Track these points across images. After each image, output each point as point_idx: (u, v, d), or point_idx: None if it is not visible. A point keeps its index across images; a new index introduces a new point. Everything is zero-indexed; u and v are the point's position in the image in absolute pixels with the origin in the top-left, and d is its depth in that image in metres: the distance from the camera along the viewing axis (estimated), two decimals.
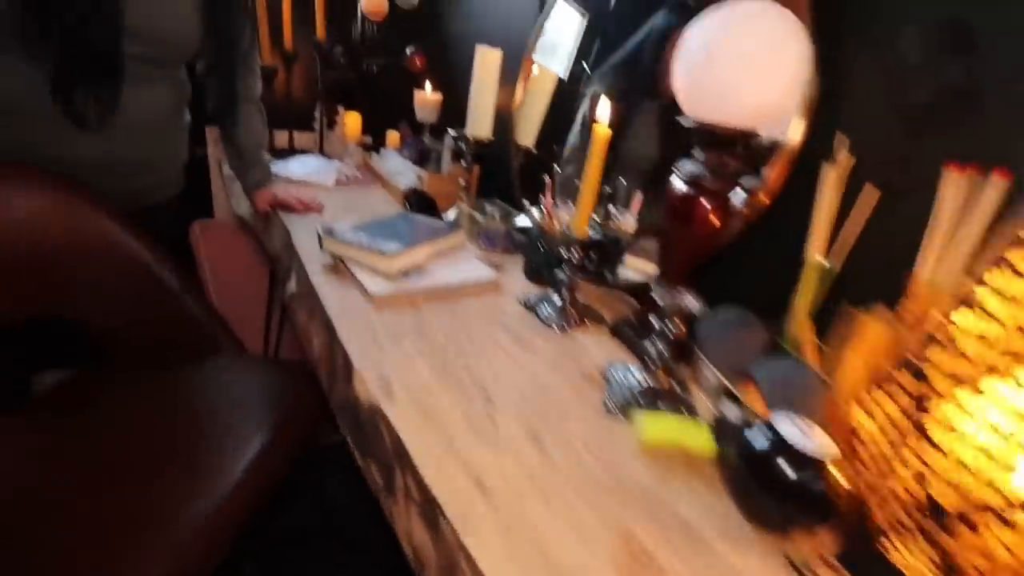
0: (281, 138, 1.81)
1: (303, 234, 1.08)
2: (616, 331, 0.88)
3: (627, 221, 1.03)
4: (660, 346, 0.68)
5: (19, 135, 0.89)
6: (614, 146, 1.26)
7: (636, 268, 1.07)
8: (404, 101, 1.74)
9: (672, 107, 1.08)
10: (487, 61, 1.20)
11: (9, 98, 0.86)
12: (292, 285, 0.95)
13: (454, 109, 1.66)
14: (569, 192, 1.36)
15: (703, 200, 0.72)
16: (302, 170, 1.45)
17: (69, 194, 0.94)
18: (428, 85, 1.61)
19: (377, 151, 1.75)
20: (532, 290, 1.00)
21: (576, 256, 0.86)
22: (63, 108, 0.87)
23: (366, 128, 1.84)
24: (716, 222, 0.72)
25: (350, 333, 0.74)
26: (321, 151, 1.74)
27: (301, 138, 1.84)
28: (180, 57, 1.03)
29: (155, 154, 1.07)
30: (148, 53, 0.94)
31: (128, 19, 0.87)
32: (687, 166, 0.76)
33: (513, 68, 1.24)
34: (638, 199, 1.07)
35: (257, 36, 1.15)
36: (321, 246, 0.95)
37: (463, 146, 1.27)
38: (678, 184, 0.76)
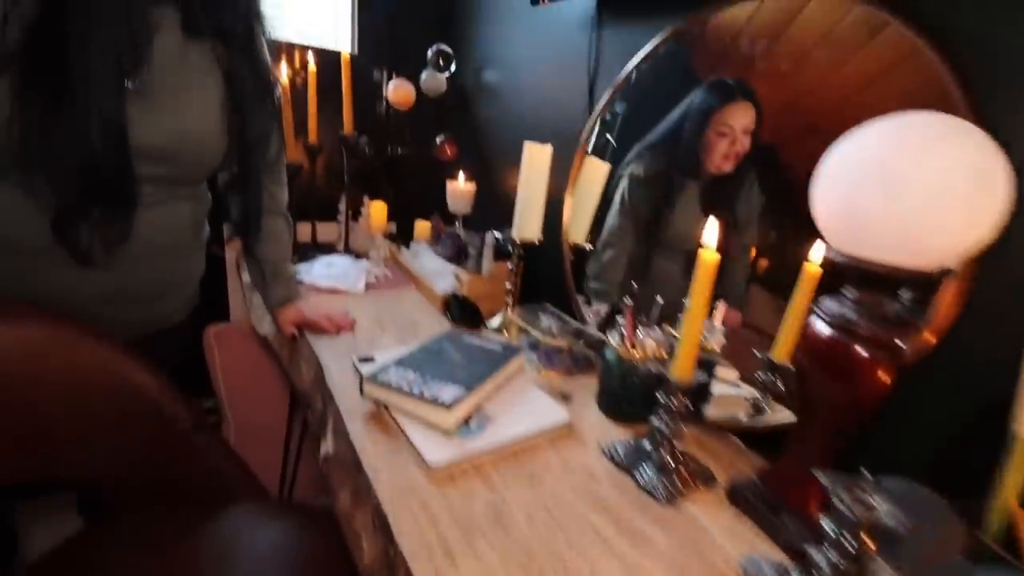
0: (304, 231, 1.71)
1: (336, 365, 0.93)
2: (736, 497, 0.70)
3: (715, 337, 0.87)
4: (834, 558, 0.50)
5: (8, 269, 0.76)
6: (652, 229, 1.16)
7: (726, 381, 0.91)
8: (432, 191, 1.65)
9: (713, 186, 0.96)
10: (536, 158, 1.08)
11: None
12: (328, 445, 0.79)
13: (489, 199, 1.56)
14: (613, 275, 1.22)
15: (860, 349, 0.57)
16: (328, 275, 1.32)
17: (64, 328, 0.81)
18: (461, 175, 1.51)
19: (406, 244, 1.64)
20: (611, 430, 0.84)
21: (677, 404, 0.70)
22: (65, 247, 0.74)
23: (392, 217, 1.74)
24: (886, 379, 0.56)
25: (411, 539, 0.57)
26: (346, 246, 1.63)
27: (324, 229, 1.74)
28: (201, 175, 0.92)
29: (167, 279, 0.93)
30: (165, 174, 0.83)
31: (141, 136, 0.74)
32: (831, 305, 0.60)
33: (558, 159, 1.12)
34: (723, 309, 0.92)
35: (284, 140, 1.04)
36: (362, 391, 0.80)
37: (508, 247, 1.15)
38: (821, 327, 0.60)
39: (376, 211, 1.70)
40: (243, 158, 0.94)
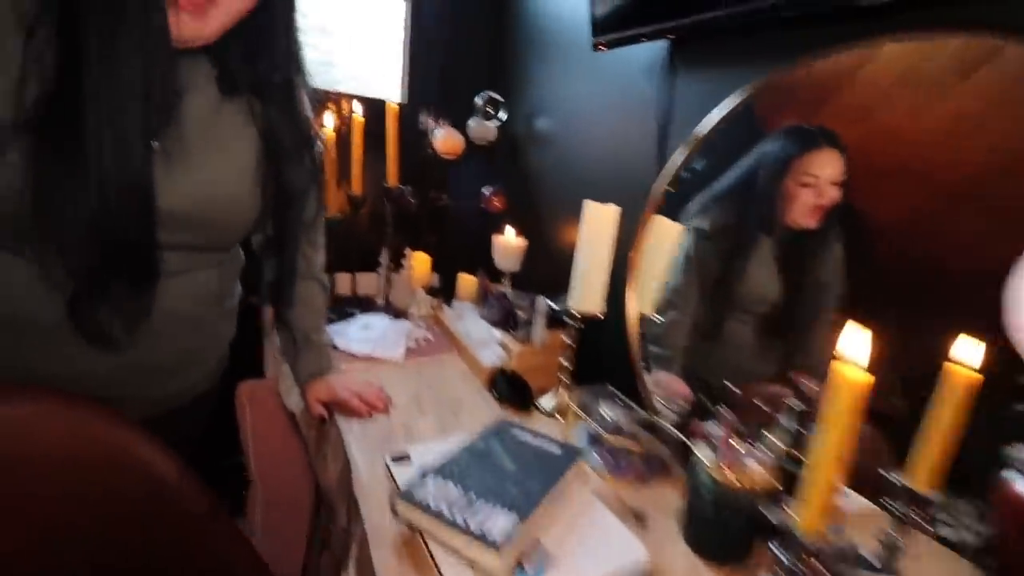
0: (343, 282, 1.63)
1: (365, 461, 0.79)
2: None
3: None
4: None
5: (18, 348, 0.68)
6: (721, 289, 1.01)
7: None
8: (479, 244, 1.54)
9: (792, 243, 0.81)
10: (599, 220, 0.95)
11: (4, 305, 0.65)
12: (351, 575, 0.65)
13: (540, 256, 1.43)
14: (676, 339, 1.06)
15: None
16: (365, 339, 1.21)
17: (72, 407, 0.71)
18: (510, 230, 1.39)
19: (448, 299, 1.52)
20: (702, 572, 0.66)
21: (805, 570, 0.52)
22: (82, 330, 0.65)
23: (435, 269, 1.64)
24: None
25: None
26: (386, 301, 1.53)
27: (365, 280, 1.65)
28: (231, 241, 0.83)
29: (192, 350, 0.83)
30: (191, 241, 0.74)
31: (167, 202, 0.65)
32: None
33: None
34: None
35: (324, 199, 0.95)
36: (394, 510, 0.66)
37: (564, 318, 1.01)
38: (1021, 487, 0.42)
39: (419, 263, 1.61)
40: (278, 219, 0.85)
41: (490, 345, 1.17)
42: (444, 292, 1.61)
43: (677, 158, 0.98)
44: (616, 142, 1.21)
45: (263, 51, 0.73)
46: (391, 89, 1.73)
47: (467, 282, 1.56)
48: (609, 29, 1.06)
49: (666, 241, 1.02)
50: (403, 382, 1.07)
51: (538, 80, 1.52)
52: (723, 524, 0.66)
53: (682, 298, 1.02)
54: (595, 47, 1.11)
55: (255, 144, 0.76)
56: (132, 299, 0.67)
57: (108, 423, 0.71)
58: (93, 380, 0.71)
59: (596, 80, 1.28)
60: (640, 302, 1.06)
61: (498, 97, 1.47)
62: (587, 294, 0.96)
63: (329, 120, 1.39)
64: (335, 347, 1.16)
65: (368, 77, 1.69)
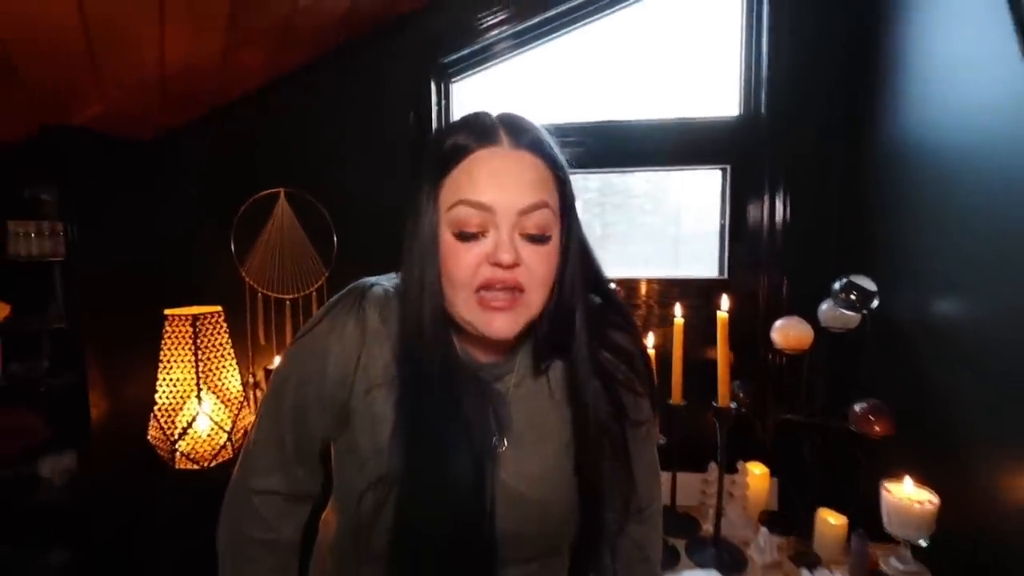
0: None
1: None
2: None
3: None
4: None
5: None
6: None
7: None
8: (844, 476, 1.13)
9: None
10: None
11: None
12: None
13: (968, 523, 0.92)
14: None
15: None
16: None
17: None
18: (908, 481, 0.96)
19: (799, 534, 1.14)
20: None
21: None
22: None
23: (779, 494, 1.28)
24: None
25: None
26: (716, 532, 1.24)
27: (685, 486, 1.41)
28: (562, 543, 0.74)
29: None
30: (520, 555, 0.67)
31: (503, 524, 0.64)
32: None
33: None
34: None
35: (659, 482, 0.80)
36: None
37: None
38: None
39: (757, 483, 1.29)
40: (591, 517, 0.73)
41: None
42: (786, 527, 1.22)
43: None
44: None
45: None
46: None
47: (830, 527, 1.15)
48: None
49: None
50: None
51: (935, 244, 1.10)
52: None
53: None
54: None
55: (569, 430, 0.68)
56: None
57: None
58: None
59: None
60: None
61: (868, 287, 1.11)
62: None
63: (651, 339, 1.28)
64: None
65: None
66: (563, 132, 0.65)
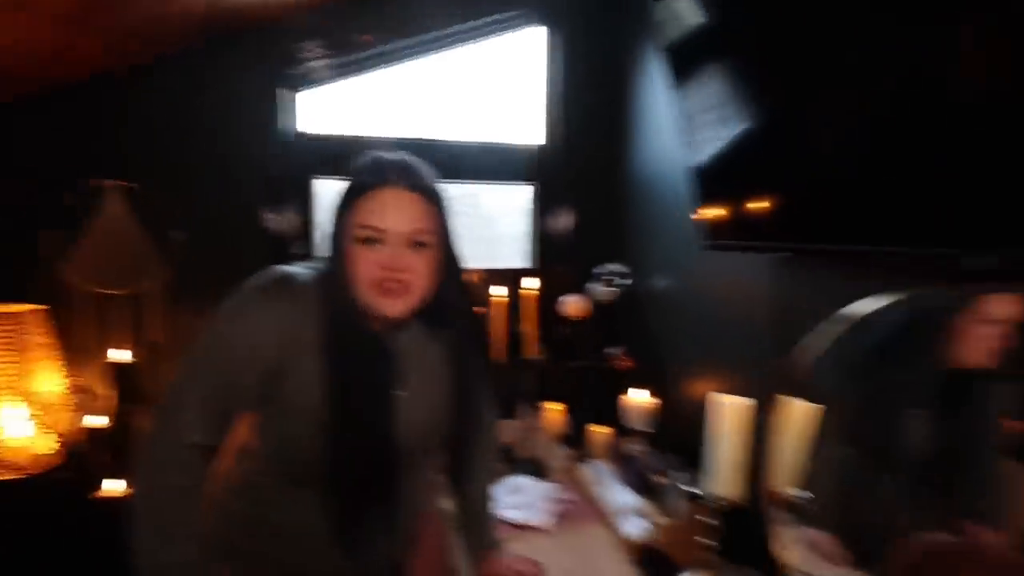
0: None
1: None
2: None
3: None
4: None
5: (293, 555, 0.91)
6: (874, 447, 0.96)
7: None
8: (613, 401, 1.66)
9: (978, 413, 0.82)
10: (729, 414, 1.04)
11: (299, 529, 0.90)
12: None
13: (672, 416, 1.53)
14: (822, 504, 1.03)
15: None
16: (516, 505, 1.36)
17: None
18: (639, 391, 1.51)
19: (577, 451, 1.64)
20: None
21: None
22: (354, 551, 0.87)
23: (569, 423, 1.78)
24: None
25: None
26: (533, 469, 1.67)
27: (503, 428, 1.83)
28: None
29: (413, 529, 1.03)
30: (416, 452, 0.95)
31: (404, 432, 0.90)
32: None
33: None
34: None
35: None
36: None
37: (705, 501, 1.07)
38: None
39: (553, 416, 1.76)
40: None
41: (631, 514, 1.25)
42: (573, 443, 1.72)
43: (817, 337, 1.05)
44: (738, 317, 1.32)
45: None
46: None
47: (598, 435, 1.67)
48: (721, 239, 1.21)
49: (802, 419, 1.06)
50: (552, 554, 1.18)
51: (656, 241, 1.70)
52: None
53: (827, 466, 1.03)
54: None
55: (450, 368, 0.96)
56: (393, 520, 0.91)
57: None
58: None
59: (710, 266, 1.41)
60: (778, 480, 1.10)
61: (619, 270, 1.67)
62: (722, 480, 1.03)
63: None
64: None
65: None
66: (401, 146, 0.85)
